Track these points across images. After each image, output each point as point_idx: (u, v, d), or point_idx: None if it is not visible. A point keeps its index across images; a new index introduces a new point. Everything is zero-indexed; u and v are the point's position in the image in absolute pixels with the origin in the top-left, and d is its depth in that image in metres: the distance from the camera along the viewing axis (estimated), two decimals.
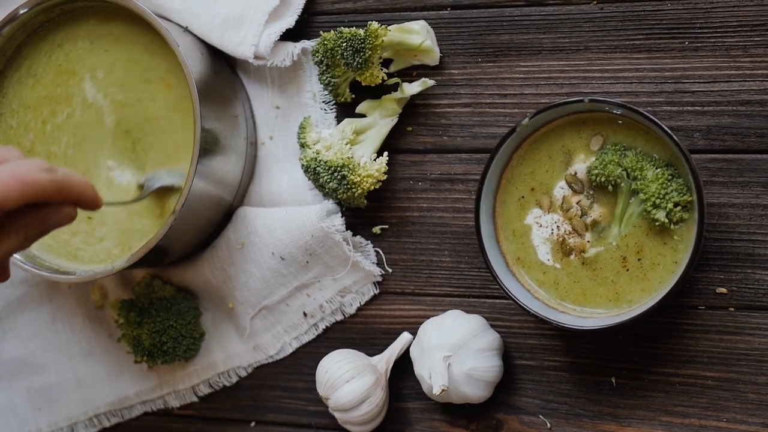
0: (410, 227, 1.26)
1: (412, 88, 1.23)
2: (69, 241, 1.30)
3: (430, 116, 1.25)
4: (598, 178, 1.12)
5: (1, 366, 1.43)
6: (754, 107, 1.12)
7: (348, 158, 1.21)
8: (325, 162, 1.22)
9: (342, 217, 1.27)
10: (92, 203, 0.98)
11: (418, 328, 1.22)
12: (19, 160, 0.93)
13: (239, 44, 1.25)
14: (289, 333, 1.31)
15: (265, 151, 1.31)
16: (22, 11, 1.27)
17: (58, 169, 0.94)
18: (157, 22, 1.22)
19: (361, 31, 1.19)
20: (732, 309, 1.14)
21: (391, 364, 1.25)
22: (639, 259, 1.12)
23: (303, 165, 1.24)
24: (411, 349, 1.23)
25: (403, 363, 1.26)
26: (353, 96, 1.26)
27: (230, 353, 1.34)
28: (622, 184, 1.11)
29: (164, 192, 1.27)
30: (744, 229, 1.13)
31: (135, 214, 1.28)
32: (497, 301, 1.23)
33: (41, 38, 1.30)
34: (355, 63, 1.20)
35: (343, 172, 1.21)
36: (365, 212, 1.28)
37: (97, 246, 1.29)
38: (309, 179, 1.25)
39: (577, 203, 1.14)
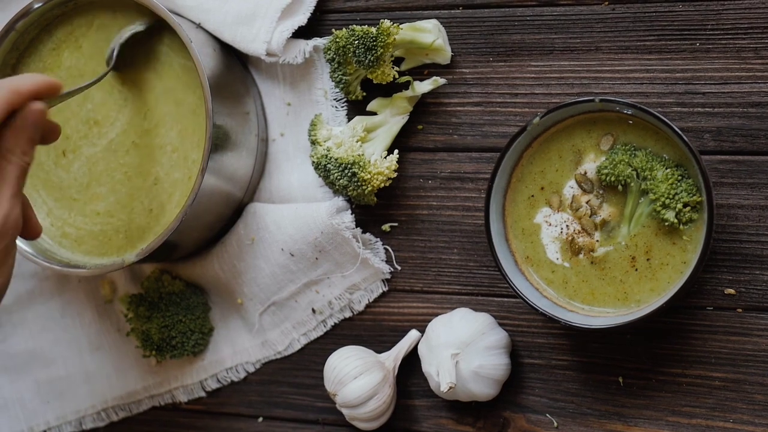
0: (420, 225, 1.26)
1: (423, 87, 1.23)
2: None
3: (441, 115, 1.25)
4: (607, 178, 1.12)
5: (10, 359, 1.44)
6: (765, 109, 1.12)
7: (358, 156, 1.22)
8: (336, 159, 1.22)
9: (352, 214, 1.27)
10: (50, 89, 1.03)
11: (426, 326, 1.22)
12: None
13: (251, 41, 1.26)
14: (298, 329, 1.32)
15: (276, 147, 1.32)
16: (36, 6, 1.27)
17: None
18: (170, 18, 1.22)
19: (373, 29, 1.20)
20: (740, 310, 1.14)
21: (399, 362, 1.25)
22: (648, 259, 1.12)
23: (313, 162, 1.25)
24: (419, 346, 1.23)
25: (411, 360, 1.26)
26: (364, 94, 1.26)
27: (238, 349, 1.35)
28: (632, 184, 1.11)
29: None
30: (753, 231, 1.13)
31: None
32: (505, 299, 1.23)
33: (54, 32, 1.31)
34: (366, 61, 1.20)
35: (353, 170, 1.21)
36: (375, 210, 1.28)
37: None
38: (319, 176, 1.25)
39: (587, 202, 1.14)
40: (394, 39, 1.20)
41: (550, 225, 1.16)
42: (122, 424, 1.41)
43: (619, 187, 1.12)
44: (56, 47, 1.31)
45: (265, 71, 1.32)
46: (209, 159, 1.20)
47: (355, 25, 1.21)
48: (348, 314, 1.30)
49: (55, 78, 1.05)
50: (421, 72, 1.25)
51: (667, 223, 1.10)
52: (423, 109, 1.25)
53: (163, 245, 1.23)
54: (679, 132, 1.07)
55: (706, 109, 1.14)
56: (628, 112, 1.11)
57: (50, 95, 1.04)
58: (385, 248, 1.28)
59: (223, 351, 1.36)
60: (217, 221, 1.29)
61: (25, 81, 1.02)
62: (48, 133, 1.09)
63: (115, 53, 1.26)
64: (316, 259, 1.28)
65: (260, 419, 1.35)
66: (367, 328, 1.29)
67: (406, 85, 1.24)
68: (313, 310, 1.30)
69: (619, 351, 1.18)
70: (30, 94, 1.02)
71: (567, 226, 1.15)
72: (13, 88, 1.01)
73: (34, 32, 1.31)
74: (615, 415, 1.19)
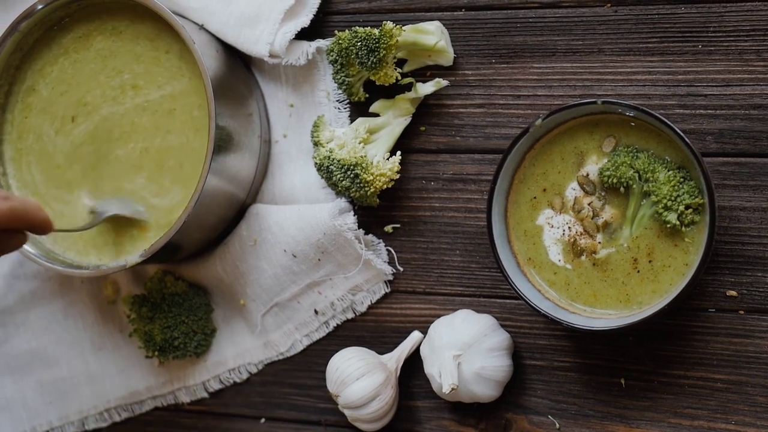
0: (422, 227, 1.26)
1: (425, 88, 1.24)
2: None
3: (444, 116, 1.25)
4: (610, 180, 1.12)
5: (13, 359, 1.44)
6: (767, 111, 1.12)
7: (361, 157, 1.22)
8: (338, 160, 1.22)
9: (354, 215, 1.27)
10: (44, 228, 1.03)
11: (428, 327, 1.23)
12: None
13: (255, 42, 1.26)
14: (300, 330, 1.32)
15: (279, 149, 1.32)
16: (39, 7, 1.27)
17: (13, 198, 0.99)
18: (173, 19, 1.23)
19: (376, 31, 1.20)
20: (742, 312, 1.14)
21: (401, 363, 1.25)
22: (650, 261, 1.12)
23: (316, 163, 1.25)
24: (421, 347, 1.23)
25: (413, 361, 1.26)
26: (367, 95, 1.26)
27: (241, 350, 1.35)
28: (634, 186, 1.11)
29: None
30: (755, 233, 1.13)
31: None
32: (508, 301, 1.23)
33: (58, 34, 1.31)
34: (369, 62, 1.20)
35: (356, 171, 1.21)
36: (377, 211, 1.28)
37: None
38: (322, 177, 1.26)
39: (589, 204, 1.14)
40: (397, 41, 1.20)
41: (552, 227, 1.16)
42: (125, 424, 1.41)
43: (621, 189, 1.12)
44: (59, 49, 1.31)
45: (268, 73, 1.32)
46: (212, 160, 1.20)
47: (357, 27, 1.22)
48: (350, 315, 1.30)
49: (47, 216, 1.04)
50: (424, 74, 1.25)
51: (669, 225, 1.10)
52: (425, 110, 1.26)
53: (166, 246, 1.23)
54: (682, 134, 1.07)
55: (709, 111, 1.14)
56: (631, 114, 1.11)
57: (38, 232, 1.04)
58: (387, 249, 1.28)
59: (226, 352, 1.36)
60: (220, 222, 1.30)
61: (31, 209, 1.01)
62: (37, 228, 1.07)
63: (97, 219, 1.27)
64: (319, 260, 1.28)
65: (262, 420, 1.35)
66: (370, 330, 1.29)
67: (408, 87, 1.24)
68: (316, 312, 1.31)
69: (621, 353, 1.19)
70: (27, 223, 1.02)
71: (569, 227, 1.15)
72: (21, 211, 1.00)
73: (38, 33, 1.31)
74: (617, 416, 1.19)
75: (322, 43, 1.27)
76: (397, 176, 1.24)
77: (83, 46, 1.30)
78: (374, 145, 1.24)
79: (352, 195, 1.24)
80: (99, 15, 1.30)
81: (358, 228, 1.27)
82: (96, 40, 1.30)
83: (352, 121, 1.28)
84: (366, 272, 1.27)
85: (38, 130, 1.32)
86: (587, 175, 1.15)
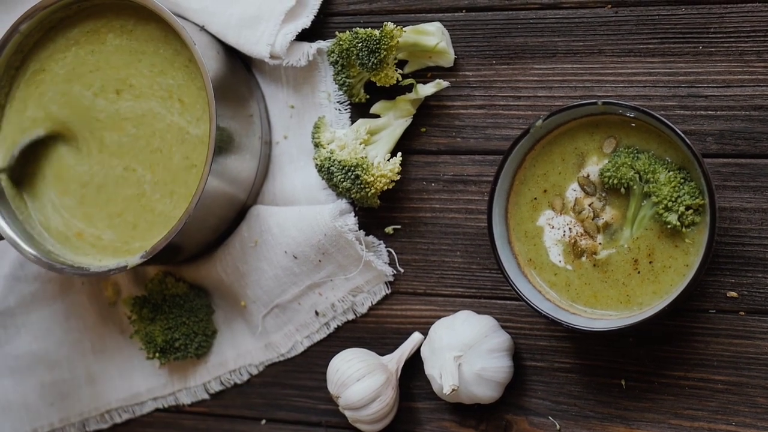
0: (423, 228, 1.27)
1: (426, 90, 1.24)
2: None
3: (444, 117, 1.25)
4: (610, 181, 1.12)
5: (15, 361, 1.44)
6: (767, 112, 1.12)
7: (362, 158, 1.22)
8: (339, 162, 1.22)
9: (355, 216, 1.27)
10: None
11: (429, 328, 1.23)
12: None
13: (255, 43, 1.26)
14: (301, 331, 1.32)
15: (280, 150, 1.32)
16: (40, 8, 1.27)
17: None
18: (173, 20, 1.23)
19: (377, 32, 1.20)
20: (742, 313, 1.14)
21: (402, 364, 1.25)
22: (650, 262, 1.12)
23: (317, 164, 1.25)
24: (422, 348, 1.23)
25: (414, 363, 1.26)
26: (368, 96, 1.26)
27: (242, 351, 1.35)
28: (635, 187, 1.11)
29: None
30: (755, 234, 1.13)
31: None
32: (508, 302, 1.23)
33: (58, 35, 1.31)
34: (370, 63, 1.20)
35: (356, 172, 1.21)
36: (378, 212, 1.28)
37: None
38: (323, 179, 1.26)
39: (590, 205, 1.14)
40: (398, 42, 1.20)
41: (552, 228, 1.16)
42: (125, 426, 1.42)
43: (622, 189, 1.12)
44: (60, 50, 1.31)
45: (268, 74, 1.32)
46: (213, 162, 1.20)
47: (358, 28, 1.22)
48: (351, 317, 1.30)
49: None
50: (425, 75, 1.26)
51: (669, 226, 1.10)
52: (426, 111, 1.26)
53: (167, 247, 1.23)
54: (682, 135, 1.07)
55: (709, 112, 1.14)
56: (631, 115, 1.11)
57: None
58: (388, 251, 1.28)
59: (227, 353, 1.36)
60: (221, 224, 1.30)
61: None
62: None
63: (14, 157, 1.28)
64: (319, 261, 1.28)
65: (263, 422, 1.35)
66: (370, 331, 1.29)
67: (409, 88, 1.24)
68: (316, 313, 1.31)
69: (622, 354, 1.19)
70: None
71: (570, 228, 1.15)
72: None
73: (38, 35, 1.31)
74: (617, 418, 1.19)
75: (323, 44, 1.27)
76: (398, 177, 1.24)
77: (97, 40, 1.30)
78: (375, 146, 1.25)
79: (352, 196, 1.24)
80: (99, 16, 1.30)
81: (359, 229, 1.27)
82: (108, 37, 1.30)
83: (352, 122, 1.28)
84: (366, 273, 1.27)
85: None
86: (588, 176, 1.15)
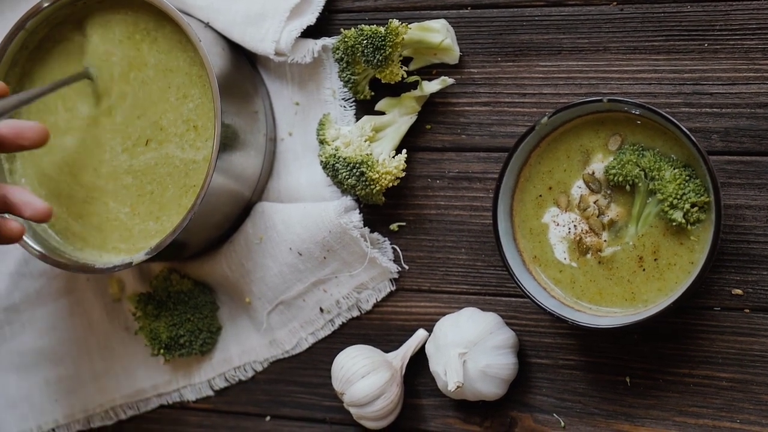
0: (427, 225, 1.27)
1: (431, 87, 1.24)
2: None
3: (449, 114, 1.25)
4: (615, 178, 1.12)
5: (19, 357, 1.44)
6: None
7: (367, 155, 1.22)
8: (344, 159, 1.22)
9: (360, 213, 1.27)
10: (37, 215, 1.15)
11: (433, 325, 1.23)
12: None
13: (260, 40, 1.26)
14: (306, 328, 1.32)
15: (284, 147, 1.32)
16: (45, 4, 1.27)
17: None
18: (179, 17, 1.23)
19: (382, 29, 1.20)
20: (747, 310, 1.14)
21: (407, 361, 1.25)
22: (655, 259, 1.12)
23: (322, 161, 1.25)
24: (426, 345, 1.23)
25: (419, 359, 1.26)
26: (373, 93, 1.26)
27: (246, 348, 1.35)
28: (640, 184, 1.11)
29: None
30: (761, 231, 1.13)
31: None
32: (513, 299, 1.23)
33: (64, 31, 1.31)
34: (375, 60, 1.20)
35: (361, 169, 1.21)
36: (383, 209, 1.28)
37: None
38: (328, 175, 1.26)
39: (595, 203, 1.14)
40: (403, 39, 1.20)
41: (557, 225, 1.16)
42: (130, 422, 1.42)
43: (627, 187, 1.12)
44: (65, 46, 1.31)
45: (273, 71, 1.32)
46: (218, 158, 1.21)
47: (363, 25, 1.22)
48: (356, 313, 1.30)
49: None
50: (430, 72, 1.26)
51: (674, 224, 1.10)
52: (431, 108, 1.26)
53: (172, 244, 1.23)
54: (687, 132, 1.07)
55: (714, 109, 1.14)
56: (636, 113, 1.11)
57: (33, 218, 1.15)
58: (392, 248, 1.28)
59: (231, 350, 1.36)
60: (226, 220, 1.30)
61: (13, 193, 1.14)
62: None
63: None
64: (324, 258, 1.28)
65: (268, 418, 1.35)
66: (375, 328, 1.30)
67: (414, 85, 1.24)
68: (321, 309, 1.31)
69: (627, 351, 1.19)
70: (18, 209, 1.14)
71: (575, 226, 1.15)
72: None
73: (44, 31, 1.31)
74: (622, 415, 1.19)
75: (328, 41, 1.27)
76: (403, 174, 1.24)
77: (84, 45, 1.30)
78: (380, 143, 1.25)
79: (357, 193, 1.24)
80: (104, 13, 1.29)
81: (364, 226, 1.27)
82: (100, 39, 1.30)
83: (357, 119, 1.28)
84: (371, 270, 1.28)
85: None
86: (593, 173, 1.15)
